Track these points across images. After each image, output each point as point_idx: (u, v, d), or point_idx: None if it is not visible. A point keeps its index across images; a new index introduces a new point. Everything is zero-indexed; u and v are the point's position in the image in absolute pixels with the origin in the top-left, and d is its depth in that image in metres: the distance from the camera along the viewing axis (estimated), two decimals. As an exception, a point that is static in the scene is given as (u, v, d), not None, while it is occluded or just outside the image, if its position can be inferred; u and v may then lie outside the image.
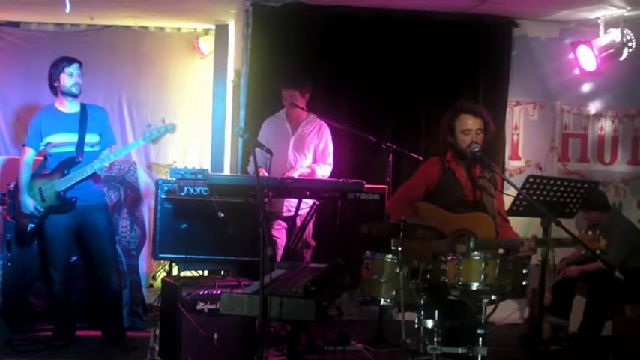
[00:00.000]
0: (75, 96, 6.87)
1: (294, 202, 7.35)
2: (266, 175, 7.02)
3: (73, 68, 6.81)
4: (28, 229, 6.83)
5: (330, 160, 7.67)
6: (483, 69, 9.01)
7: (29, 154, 6.90)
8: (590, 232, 5.31)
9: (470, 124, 5.61)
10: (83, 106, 6.95)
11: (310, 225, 7.47)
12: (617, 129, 9.44)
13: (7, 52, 9.62)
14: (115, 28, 9.85)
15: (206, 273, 7.16)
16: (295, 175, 7.35)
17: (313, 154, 7.67)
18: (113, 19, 9.68)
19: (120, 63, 9.81)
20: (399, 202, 5.80)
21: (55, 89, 6.88)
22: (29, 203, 6.74)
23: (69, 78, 6.80)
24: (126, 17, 9.55)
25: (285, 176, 7.19)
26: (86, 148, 6.81)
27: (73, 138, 6.80)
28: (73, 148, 6.79)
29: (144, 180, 8.79)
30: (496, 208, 5.61)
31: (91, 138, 6.86)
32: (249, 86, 8.61)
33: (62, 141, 6.81)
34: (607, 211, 7.94)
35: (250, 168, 7.73)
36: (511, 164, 9.21)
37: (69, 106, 6.90)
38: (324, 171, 7.60)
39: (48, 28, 9.79)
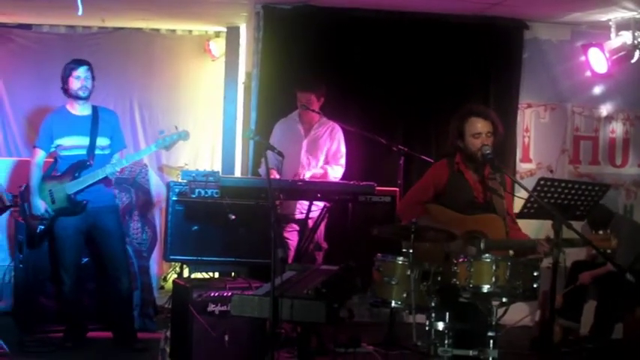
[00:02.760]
0: (83, 99, 6.88)
1: (306, 204, 7.35)
2: (277, 177, 7.03)
3: (80, 71, 6.81)
4: (38, 231, 6.84)
5: (343, 161, 7.68)
6: (494, 71, 9.00)
7: (40, 156, 6.90)
8: (600, 232, 5.29)
9: (480, 128, 5.60)
10: (94, 109, 6.95)
11: (322, 227, 7.48)
12: (628, 131, 9.41)
13: (18, 54, 9.66)
14: (127, 30, 9.88)
15: (217, 275, 7.17)
16: (308, 175, 7.35)
17: (325, 156, 7.67)
18: (124, 21, 9.71)
19: (131, 65, 9.85)
20: (409, 205, 5.80)
21: (66, 92, 6.90)
22: (40, 205, 6.76)
23: (76, 81, 6.81)
24: (137, 20, 9.58)
25: (298, 177, 7.19)
26: (97, 152, 6.82)
27: (84, 141, 6.81)
28: (83, 151, 6.79)
29: (155, 182, 8.80)
30: (506, 210, 5.60)
31: (102, 141, 6.87)
32: (260, 88, 8.62)
33: (73, 144, 6.82)
34: (612, 218, 7.88)
35: (262, 170, 7.73)
36: (522, 166, 9.20)
37: (80, 109, 6.91)
38: (336, 172, 7.61)
39: (59, 30, 9.84)
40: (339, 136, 7.71)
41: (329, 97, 7.79)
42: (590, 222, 7.21)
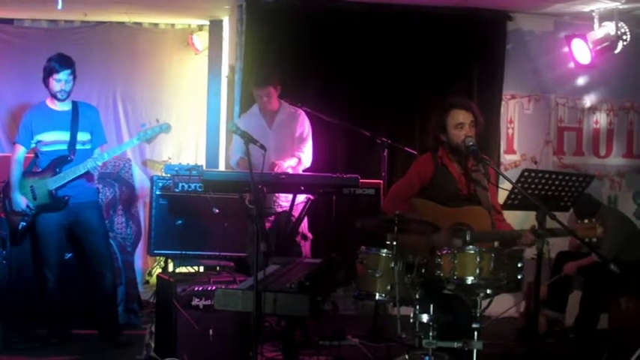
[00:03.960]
0: (61, 101, 6.83)
1: (283, 197, 7.33)
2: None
3: (62, 75, 6.71)
4: (20, 227, 6.80)
5: (308, 146, 7.58)
6: (478, 63, 9.01)
7: (20, 152, 6.86)
8: (586, 221, 5.28)
9: (462, 118, 5.61)
10: (74, 104, 6.90)
11: (305, 218, 7.44)
12: (612, 122, 9.45)
13: (0, 49, 9.58)
14: (109, 24, 9.81)
15: (202, 269, 7.15)
16: (284, 165, 7.27)
17: (294, 140, 7.59)
18: (107, 15, 9.65)
19: (114, 59, 9.78)
20: (394, 201, 5.77)
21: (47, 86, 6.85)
22: (20, 201, 6.72)
23: (56, 84, 6.73)
24: (120, 13, 9.52)
25: (274, 170, 7.13)
26: (78, 147, 6.78)
27: (64, 136, 6.77)
28: (63, 147, 6.76)
29: (139, 176, 8.78)
30: (490, 201, 5.60)
31: (83, 136, 6.82)
32: (243, 82, 8.59)
33: (53, 139, 6.78)
34: (598, 208, 7.89)
35: (232, 160, 7.63)
36: (506, 158, 9.21)
37: (60, 104, 6.85)
38: (306, 154, 7.53)
39: (42, 24, 9.76)
40: (302, 117, 7.56)
41: (312, 89, 7.80)
42: (576, 212, 7.22)
